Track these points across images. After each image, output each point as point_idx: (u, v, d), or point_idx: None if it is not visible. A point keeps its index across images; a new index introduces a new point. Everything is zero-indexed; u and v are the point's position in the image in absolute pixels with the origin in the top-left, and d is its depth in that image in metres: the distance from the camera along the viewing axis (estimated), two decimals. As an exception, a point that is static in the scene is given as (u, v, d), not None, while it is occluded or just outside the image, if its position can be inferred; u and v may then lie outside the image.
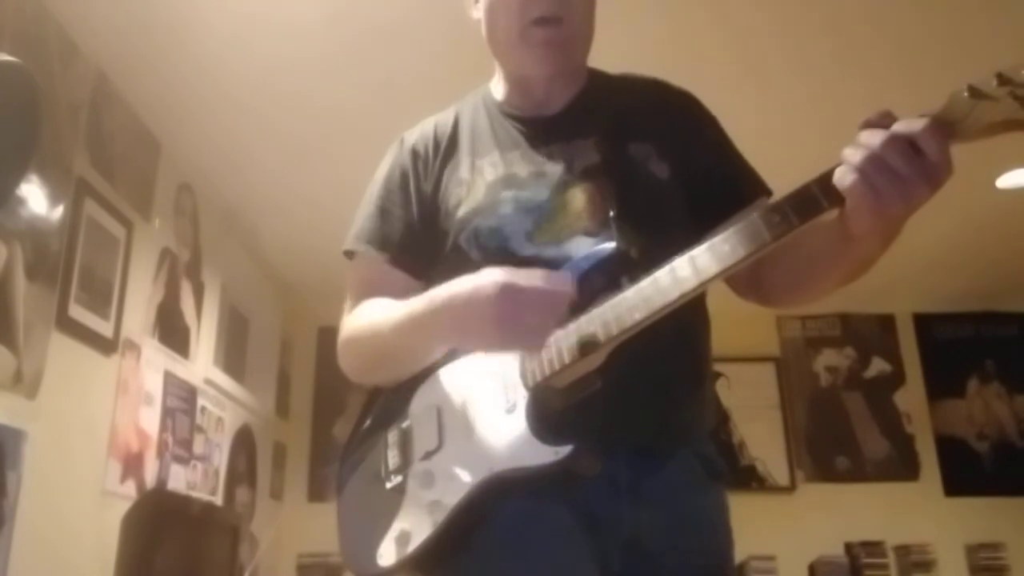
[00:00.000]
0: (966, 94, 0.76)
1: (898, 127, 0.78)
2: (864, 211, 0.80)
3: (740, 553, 4.24)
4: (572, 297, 0.91)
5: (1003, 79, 0.74)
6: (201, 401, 3.15)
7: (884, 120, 0.80)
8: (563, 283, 0.91)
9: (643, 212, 1.04)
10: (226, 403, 3.46)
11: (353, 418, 1.18)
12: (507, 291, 0.90)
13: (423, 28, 2.29)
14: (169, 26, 2.32)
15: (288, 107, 2.72)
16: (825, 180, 0.82)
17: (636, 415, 1.00)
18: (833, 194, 0.81)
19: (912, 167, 0.76)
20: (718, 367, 4.48)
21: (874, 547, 4.09)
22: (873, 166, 0.77)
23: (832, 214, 0.83)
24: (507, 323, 0.89)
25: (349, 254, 1.20)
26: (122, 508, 2.37)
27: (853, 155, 0.79)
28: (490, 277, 0.92)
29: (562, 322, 0.92)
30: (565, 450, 0.89)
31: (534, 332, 0.90)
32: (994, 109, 0.75)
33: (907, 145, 0.76)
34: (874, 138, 0.78)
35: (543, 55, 1.11)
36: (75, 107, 2.32)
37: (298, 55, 2.47)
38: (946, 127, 0.77)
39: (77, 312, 2.26)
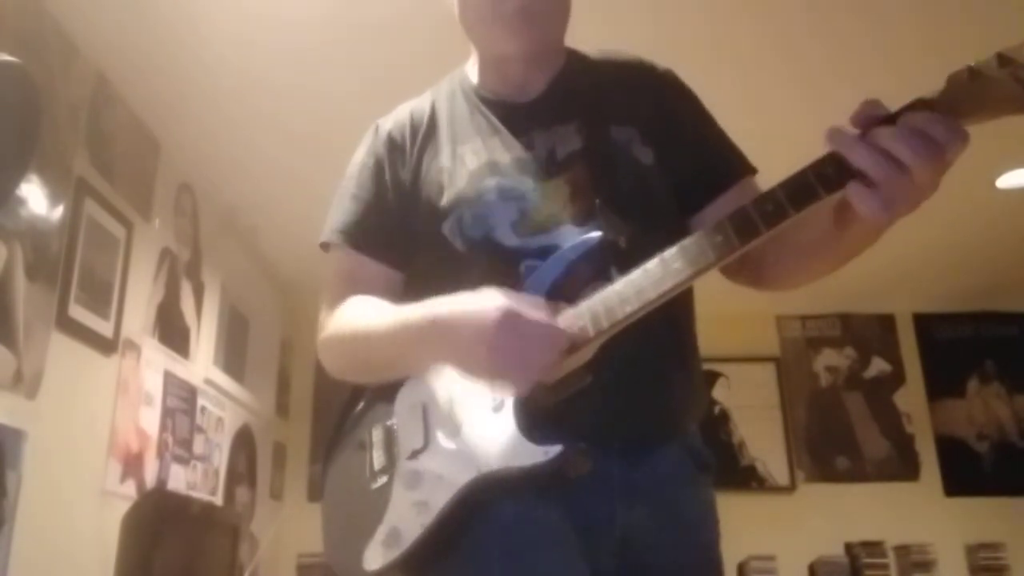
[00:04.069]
0: (966, 76, 0.73)
1: (927, 129, 0.73)
2: (872, 221, 0.78)
3: (740, 553, 4.24)
4: (574, 341, 0.88)
5: (1004, 60, 0.72)
6: (201, 401, 3.15)
7: (874, 111, 0.77)
8: (567, 324, 0.88)
9: (629, 199, 1.03)
10: (226, 403, 3.45)
11: (337, 416, 1.15)
12: (509, 319, 0.86)
13: (425, 25, 2.29)
14: (169, 26, 2.32)
15: (288, 107, 2.72)
16: (820, 168, 0.79)
17: (628, 408, 0.98)
18: (829, 182, 0.79)
19: (936, 175, 0.73)
20: (718, 367, 4.46)
21: (874, 547, 4.09)
22: (893, 178, 0.74)
23: (827, 201, 0.80)
24: (502, 353, 0.87)
25: (325, 246, 1.16)
26: (122, 508, 2.37)
27: (874, 166, 0.74)
28: (494, 301, 0.88)
29: (558, 363, 0.89)
30: (555, 450, 0.87)
31: (527, 368, 0.87)
32: (995, 91, 0.72)
33: (937, 153, 0.73)
34: (901, 149, 0.73)
35: (517, 29, 1.07)
36: (75, 107, 2.32)
37: (299, 55, 2.47)
38: (951, 111, 0.74)
39: (77, 312, 2.26)
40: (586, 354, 0.91)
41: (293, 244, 3.61)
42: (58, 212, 2.20)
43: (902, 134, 0.74)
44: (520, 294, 0.91)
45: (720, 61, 2.52)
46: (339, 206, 1.16)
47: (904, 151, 0.74)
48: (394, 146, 1.15)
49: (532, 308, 0.88)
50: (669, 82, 1.17)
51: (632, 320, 0.88)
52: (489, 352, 0.87)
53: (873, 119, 0.77)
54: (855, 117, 0.78)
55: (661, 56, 1.19)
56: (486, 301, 0.89)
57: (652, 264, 0.87)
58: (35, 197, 2.10)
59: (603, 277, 0.92)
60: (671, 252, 0.87)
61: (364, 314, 1.07)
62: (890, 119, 0.76)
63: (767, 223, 0.81)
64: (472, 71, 1.20)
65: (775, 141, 2.09)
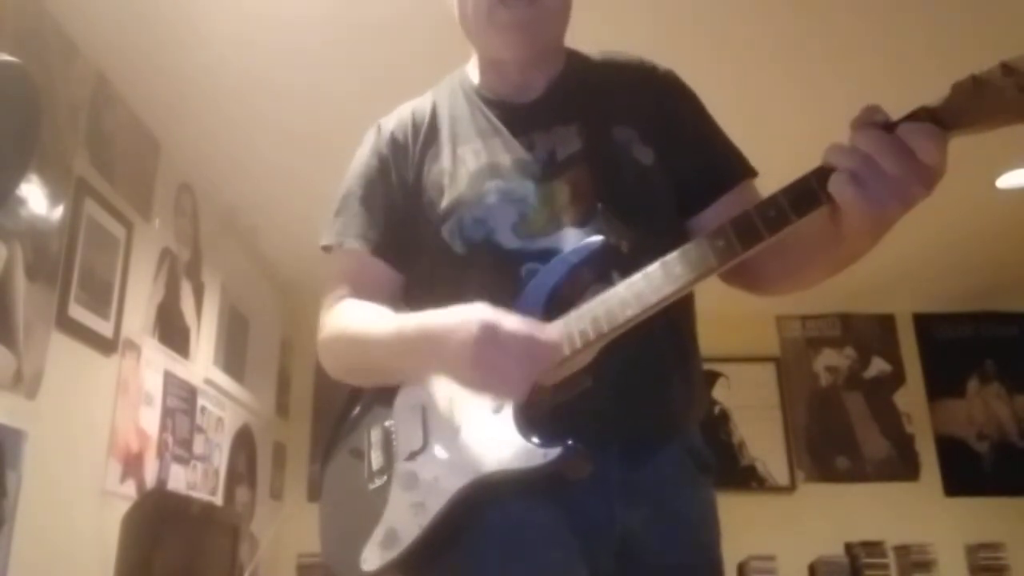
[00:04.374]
0: (970, 84, 0.74)
1: (900, 134, 0.75)
2: (859, 216, 0.79)
3: (740, 553, 4.24)
4: (559, 355, 0.88)
5: (1008, 69, 0.72)
6: (201, 401, 3.15)
7: (873, 116, 0.78)
8: (552, 337, 0.88)
9: (630, 201, 1.03)
10: (226, 403, 3.45)
11: (335, 415, 1.15)
12: (489, 332, 0.86)
13: (425, 25, 2.29)
14: (169, 26, 2.32)
15: (288, 107, 2.72)
16: (824, 173, 0.79)
17: (628, 409, 0.98)
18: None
19: (909, 171, 0.75)
20: (718, 367, 4.46)
21: (874, 547, 4.09)
22: (870, 173, 0.75)
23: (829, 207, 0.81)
24: (482, 366, 0.87)
25: (328, 248, 1.16)
26: (122, 508, 2.37)
27: (848, 162, 0.77)
28: (477, 314, 0.88)
29: (544, 375, 0.88)
30: (554, 452, 0.87)
31: (509, 381, 0.87)
32: (999, 100, 0.73)
33: (903, 150, 0.74)
34: (868, 144, 0.76)
35: (512, 39, 1.07)
36: (75, 107, 2.32)
37: (298, 54, 2.47)
38: (942, 128, 0.75)
39: (77, 312, 2.26)
40: (586, 357, 0.90)
41: (293, 244, 3.61)
42: (58, 212, 2.20)
43: (882, 141, 0.75)
44: (507, 310, 0.91)
45: (720, 62, 2.52)
46: (343, 207, 1.16)
47: (881, 152, 0.75)
48: (397, 146, 1.14)
49: (516, 322, 0.88)
50: (670, 83, 1.16)
51: (632, 324, 0.88)
52: (471, 365, 0.87)
53: (871, 125, 0.77)
54: (855, 122, 0.78)
55: (660, 57, 1.19)
56: (471, 314, 0.89)
57: (653, 268, 0.87)
58: (35, 197, 2.10)
59: (604, 281, 0.92)
60: (672, 257, 0.86)
61: (363, 319, 1.07)
62: (889, 126, 0.77)
63: (769, 229, 0.81)
64: (473, 71, 1.20)
65: (775, 143, 2.09)
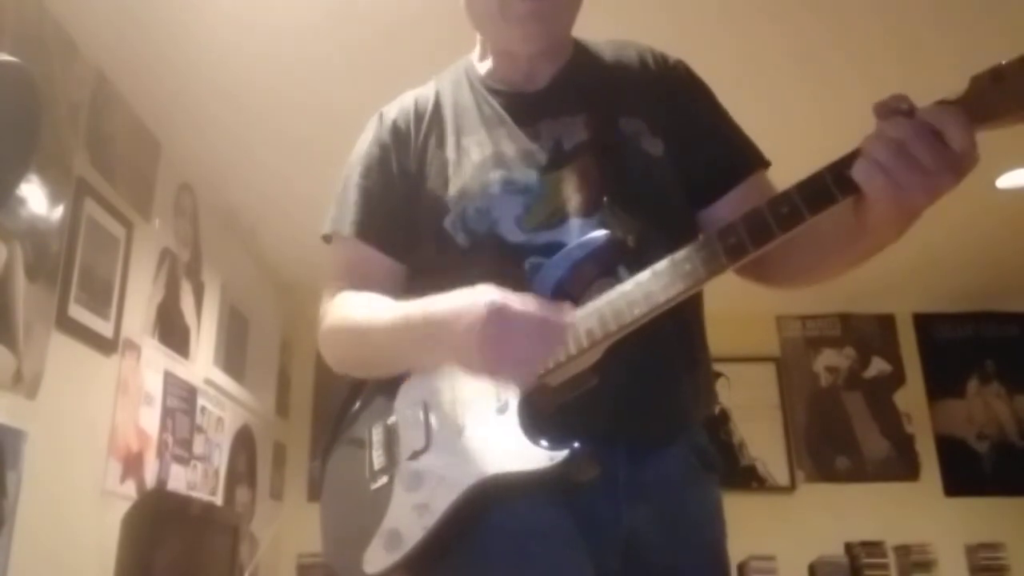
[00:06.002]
0: (989, 78, 0.72)
1: (925, 116, 0.74)
2: (885, 205, 0.77)
3: (740, 553, 4.23)
4: (571, 327, 0.86)
5: None
6: (201, 401, 3.14)
7: (900, 103, 0.76)
8: (561, 313, 0.86)
9: (637, 194, 1.01)
10: (226, 403, 3.45)
11: (336, 412, 1.13)
12: (497, 313, 0.85)
13: (423, 26, 2.29)
14: (169, 26, 2.32)
15: (288, 107, 2.72)
16: (838, 170, 0.78)
17: (635, 408, 0.97)
18: (847, 185, 0.77)
19: (940, 160, 0.73)
20: (718, 367, 4.46)
21: (874, 547, 4.09)
22: (900, 161, 0.74)
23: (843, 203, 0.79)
24: (491, 348, 0.85)
25: (328, 237, 1.14)
26: (122, 508, 2.37)
27: (877, 149, 0.75)
28: (483, 296, 0.87)
29: (550, 375, 0.87)
30: (560, 455, 0.85)
31: (519, 362, 0.86)
32: (1018, 95, 0.71)
33: (934, 137, 0.73)
34: (899, 130, 0.74)
35: (526, 32, 1.06)
36: (75, 107, 2.32)
37: (298, 55, 2.47)
38: (972, 114, 0.73)
39: (77, 312, 2.26)
40: (593, 356, 0.89)
41: (293, 244, 3.61)
42: (58, 212, 2.20)
43: (914, 125, 0.74)
44: (514, 292, 0.89)
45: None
46: (343, 196, 1.14)
47: (909, 137, 0.73)
48: (399, 134, 1.13)
49: (525, 301, 0.87)
50: (680, 73, 1.14)
51: (640, 323, 0.87)
52: (479, 346, 0.85)
53: (895, 111, 0.76)
54: (879, 106, 0.77)
55: (674, 51, 1.17)
56: (477, 296, 0.88)
57: (661, 266, 0.86)
58: (35, 197, 2.10)
59: (611, 275, 0.91)
60: (681, 254, 0.85)
61: (364, 308, 1.05)
62: (910, 114, 0.75)
63: (781, 226, 0.80)
64: (477, 59, 1.18)
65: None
